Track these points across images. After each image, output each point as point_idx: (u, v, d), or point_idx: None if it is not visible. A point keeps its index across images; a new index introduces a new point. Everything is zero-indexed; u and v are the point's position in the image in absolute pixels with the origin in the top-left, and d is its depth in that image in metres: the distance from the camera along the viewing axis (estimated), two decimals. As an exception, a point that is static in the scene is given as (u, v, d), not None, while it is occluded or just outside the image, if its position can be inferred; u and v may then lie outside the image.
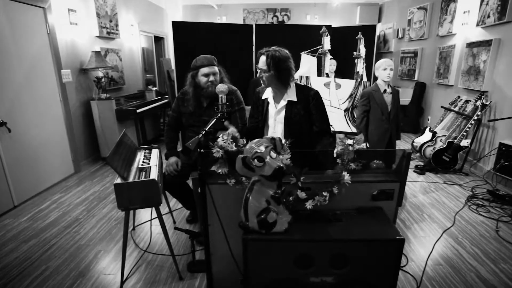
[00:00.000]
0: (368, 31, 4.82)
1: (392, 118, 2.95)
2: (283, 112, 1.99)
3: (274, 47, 1.90)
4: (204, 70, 2.28)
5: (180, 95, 2.48)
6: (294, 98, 1.96)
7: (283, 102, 1.98)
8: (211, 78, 2.29)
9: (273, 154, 1.37)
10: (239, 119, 2.42)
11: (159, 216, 2.03)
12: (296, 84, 2.00)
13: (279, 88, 1.99)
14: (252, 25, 4.81)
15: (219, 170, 1.54)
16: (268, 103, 2.05)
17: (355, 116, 3.44)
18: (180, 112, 2.48)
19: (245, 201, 1.43)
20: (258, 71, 1.93)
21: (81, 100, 4.21)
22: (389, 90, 2.94)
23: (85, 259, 2.33)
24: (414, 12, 5.89)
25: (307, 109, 1.96)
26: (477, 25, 4.06)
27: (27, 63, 3.31)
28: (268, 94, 2.06)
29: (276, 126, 2.03)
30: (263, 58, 1.88)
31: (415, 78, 5.89)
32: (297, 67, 3.94)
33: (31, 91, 3.37)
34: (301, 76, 3.62)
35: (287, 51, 1.92)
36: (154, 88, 6.11)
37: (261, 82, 1.97)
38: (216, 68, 2.33)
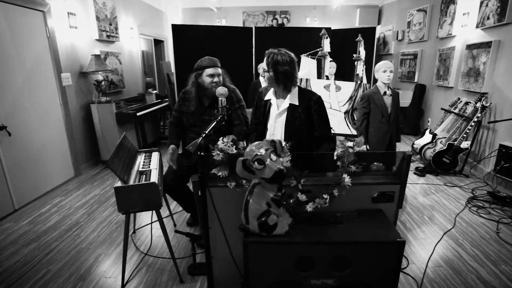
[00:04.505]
0: (368, 33, 4.85)
1: (392, 120, 2.95)
2: (284, 115, 1.99)
3: (281, 49, 1.89)
4: (209, 70, 2.31)
5: (181, 95, 2.50)
6: (296, 102, 1.96)
7: (284, 105, 1.98)
8: (216, 79, 2.33)
9: (273, 157, 1.37)
10: (241, 116, 2.45)
11: (160, 219, 2.03)
12: (299, 88, 2.00)
13: (279, 90, 1.99)
14: (251, 28, 4.83)
15: (220, 173, 1.54)
16: (270, 104, 2.05)
17: (355, 118, 3.45)
18: (182, 112, 2.49)
19: (246, 204, 1.43)
20: (261, 70, 1.96)
21: (81, 103, 4.22)
22: (389, 92, 2.94)
23: (86, 262, 2.33)
24: (413, 14, 5.91)
25: (309, 114, 1.96)
26: (477, 26, 4.07)
27: (27, 66, 3.32)
28: (271, 95, 2.06)
29: (275, 129, 2.02)
30: (265, 59, 1.91)
31: (415, 80, 5.89)
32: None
33: (31, 94, 3.37)
34: (301, 79, 3.62)
35: (291, 55, 1.90)
36: (154, 91, 6.12)
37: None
38: (220, 70, 2.37)
